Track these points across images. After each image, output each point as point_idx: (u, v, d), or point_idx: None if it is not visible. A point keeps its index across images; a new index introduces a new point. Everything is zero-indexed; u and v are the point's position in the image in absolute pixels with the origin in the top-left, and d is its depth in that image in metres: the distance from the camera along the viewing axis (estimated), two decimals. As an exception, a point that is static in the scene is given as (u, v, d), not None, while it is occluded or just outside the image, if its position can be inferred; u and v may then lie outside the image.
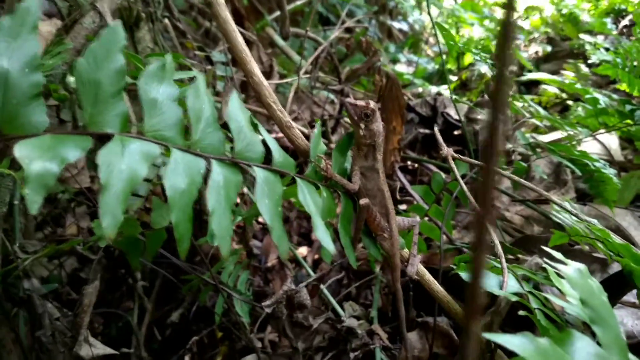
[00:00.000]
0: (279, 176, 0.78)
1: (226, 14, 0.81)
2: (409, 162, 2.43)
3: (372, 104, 0.88)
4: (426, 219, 1.54)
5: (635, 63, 2.05)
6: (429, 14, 1.48)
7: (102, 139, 0.67)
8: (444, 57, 4.41)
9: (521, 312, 0.84)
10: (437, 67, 4.44)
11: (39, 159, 0.59)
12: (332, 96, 2.54)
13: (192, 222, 0.67)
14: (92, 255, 1.18)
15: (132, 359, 1.68)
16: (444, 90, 3.17)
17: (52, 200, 1.79)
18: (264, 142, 0.79)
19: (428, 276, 0.98)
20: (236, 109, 0.77)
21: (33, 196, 0.57)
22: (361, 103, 0.88)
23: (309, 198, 0.79)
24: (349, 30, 3.33)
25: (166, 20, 2.06)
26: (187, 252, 0.67)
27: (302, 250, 2.19)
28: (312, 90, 2.44)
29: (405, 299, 1.60)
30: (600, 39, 4.06)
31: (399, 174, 2.08)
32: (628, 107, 2.09)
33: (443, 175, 1.53)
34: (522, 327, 1.25)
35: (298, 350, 1.26)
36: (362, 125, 0.87)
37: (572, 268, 0.68)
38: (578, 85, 2.26)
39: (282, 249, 0.71)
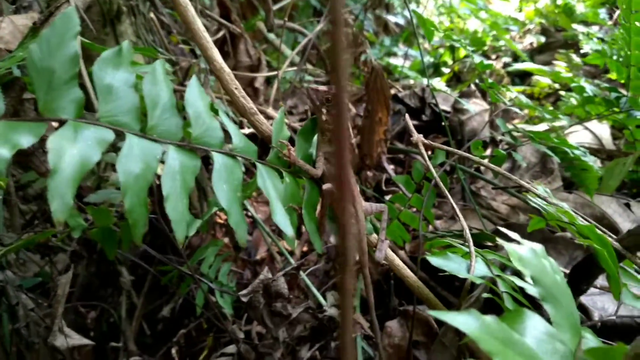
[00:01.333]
0: (238, 161, 0.79)
1: (186, 1, 0.81)
2: (400, 155, 2.43)
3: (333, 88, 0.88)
4: (412, 210, 1.54)
5: (622, 52, 2.04)
6: (405, 4, 1.47)
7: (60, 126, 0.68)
8: (421, 48, 4.41)
9: (485, 295, 0.84)
10: (432, 60, 4.43)
11: (-12, 145, 0.59)
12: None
13: (147, 207, 0.67)
14: (67, 247, 1.19)
15: (120, 353, 1.70)
16: (437, 82, 3.17)
17: (41, 196, 1.80)
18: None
19: (397, 261, 0.98)
20: (194, 95, 0.77)
21: (-19, 181, 0.57)
22: (322, 88, 0.88)
23: (269, 183, 0.79)
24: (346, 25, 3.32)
25: (152, 14, 2.06)
26: (143, 238, 0.67)
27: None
28: (300, 83, 2.44)
29: (387, 288, 1.61)
30: (595, 29, 4.05)
31: (386, 164, 2.08)
32: (614, 95, 2.08)
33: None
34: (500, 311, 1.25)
35: (278, 339, 1.26)
36: (324, 111, 0.88)
37: (526, 248, 0.68)
38: (565, 75, 2.26)
39: (240, 235, 0.72)
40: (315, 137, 0.93)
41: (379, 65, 1.98)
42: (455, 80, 4.15)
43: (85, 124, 0.67)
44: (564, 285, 0.66)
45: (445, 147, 1.10)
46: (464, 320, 0.55)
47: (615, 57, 2.16)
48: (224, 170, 0.75)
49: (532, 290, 0.78)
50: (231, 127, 0.80)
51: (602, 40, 2.84)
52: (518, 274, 1.01)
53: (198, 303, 1.32)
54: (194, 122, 0.76)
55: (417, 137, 1.05)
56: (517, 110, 1.62)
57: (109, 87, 0.70)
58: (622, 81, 2.16)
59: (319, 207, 0.89)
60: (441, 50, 4.40)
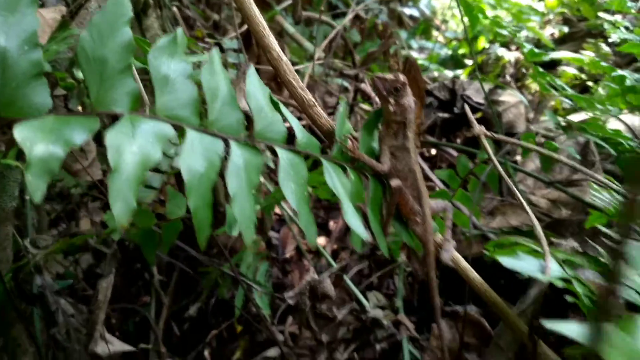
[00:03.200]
0: (303, 158, 0.72)
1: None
2: (424, 150, 2.36)
3: (401, 77, 0.82)
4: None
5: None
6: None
7: (112, 121, 0.62)
8: (455, 42, 4.31)
9: (569, 298, 0.78)
10: (450, 52, 4.34)
11: (41, 142, 0.53)
12: (346, 83, 2.47)
13: (212, 209, 0.61)
14: (106, 249, 1.13)
15: (151, 355, 1.64)
16: (460, 74, 3.08)
17: (65, 195, 1.75)
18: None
19: (463, 263, 0.92)
20: (255, 86, 0.71)
21: (36, 183, 0.51)
22: (390, 76, 0.81)
23: (337, 180, 0.73)
24: (358, 18, 3.26)
25: (174, 9, 2.01)
26: (207, 242, 0.61)
27: (320, 241, 2.14)
28: (326, 78, 2.37)
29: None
30: (618, 18, 3.94)
31: (419, 160, 2.01)
32: (657, 83, 2.00)
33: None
34: (556, 314, 1.18)
35: (322, 342, 1.20)
36: (392, 101, 0.81)
37: (634, 246, 0.62)
38: (603, 64, 2.17)
39: (310, 235, 0.65)
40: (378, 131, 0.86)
41: (413, 57, 1.91)
42: (477, 72, 4.06)
43: (143, 118, 0.61)
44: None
45: (509, 139, 1.03)
46: (580, 330, 0.49)
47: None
48: (290, 168, 0.68)
49: (626, 293, 0.71)
50: (294, 121, 0.73)
51: (628, 28, 2.75)
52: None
53: (237, 304, 1.26)
54: (257, 116, 0.69)
55: (479, 128, 0.98)
56: (566, 100, 1.54)
57: (165, 77, 0.64)
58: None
59: (384, 206, 0.83)
60: (454, 42, 4.31)
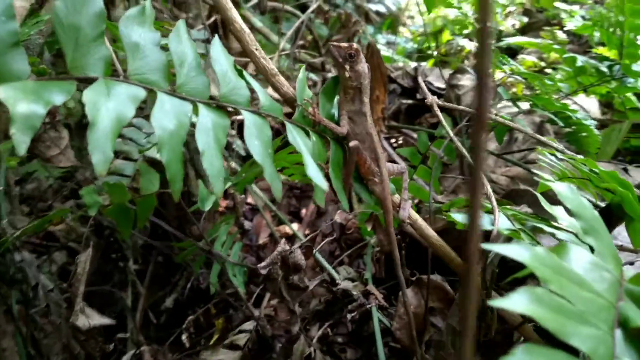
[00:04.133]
0: (266, 120, 0.78)
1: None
2: (390, 136, 2.44)
3: (355, 45, 0.88)
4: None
5: (614, 20, 2.06)
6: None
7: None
8: (421, 36, 4.43)
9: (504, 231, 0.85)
10: (415, 46, 4.46)
11: (23, 101, 0.58)
12: (313, 76, 2.53)
13: (183, 164, 0.66)
14: (82, 228, 1.16)
15: (129, 344, 1.67)
16: (424, 65, 3.18)
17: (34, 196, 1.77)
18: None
19: (420, 221, 0.99)
20: (219, 53, 0.76)
21: (20, 137, 0.56)
22: (344, 44, 0.87)
23: (299, 139, 0.79)
24: (322, 10, 3.33)
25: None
26: (179, 193, 0.66)
27: (294, 227, 2.19)
28: (293, 68, 2.43)
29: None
30: (575, 8, 4.11)
31: (384, 143, 2.09)
32: (606, 64, 2.12)
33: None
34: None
35: (295, 313, 1.26)
36: (347, 67, 0.87)
37: (564, 185, 0.69)
38: (556, 46, 2.28)
39: (275, 188, 0.71)
40: (337, 96, 0.93)
41: (374, 42, 1.98)
42: (441, 63, 4.18)
43: (116, 81, 0.66)
44: (600, 219, 0.67)
45: (458, 107, 1.11)
46: (518, 251, 0.56)
47: (600, 26, 2.18)
48: (255, 128, 0.74)
49: (562, 235, 0.79)
50: (257, 86, 0.79)
51: (584, 17, 2.87)
52: (538, 228, 1.02)
53: (212, 281, 1.31)
54: (222, 80, 0.75)
55: (432, 99, 1.05)
56: (518, 78, 1.63)
57: (136, 44, 0.69)
58: (612, 51, 2.19)
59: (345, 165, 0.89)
60: (419, 37, 4.44)
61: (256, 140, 0.73)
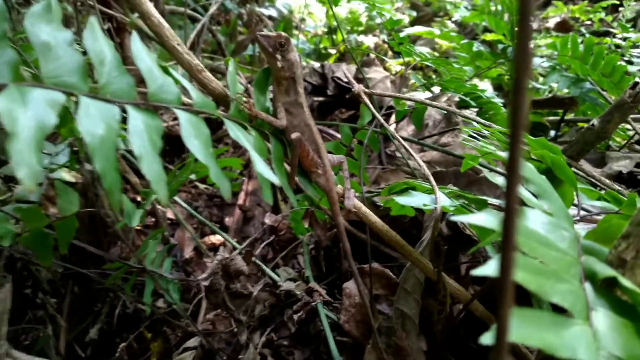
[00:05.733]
0: (201, 118, 0.73)
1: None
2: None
3: (283, 33, 0.85)
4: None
5: (503, 4, 2.20)
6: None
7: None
8: (316, 37, 4.49)
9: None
10: (312, 47, 4.51)
11: None
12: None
13: (119, 171, 0.60)
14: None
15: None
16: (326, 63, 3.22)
17: None
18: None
19: (364, 209, 0.98)
20: (140, 49, 0.69)
21: None
22: (272, 33, 0.84)
23: (240, 134, 0.74)
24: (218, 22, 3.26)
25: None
26: (120, 205, 0.59)
27: (219, 238, 2.11)
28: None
29: (336, 252, 1.61)
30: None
31: (330, 130, 2.07)
32: (500, 46, 2.26)
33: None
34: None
35: (242, 322, 1.20)
36: (279, 57, 0.84)
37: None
38: (452, 34, 2.40)
39: (224, 188, 0.66)
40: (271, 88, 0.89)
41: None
42: (340, 60, 4.26)
43: (30, 87, 0.58)
44: (550, 184, 0.69)
45: (385, 93, 1.11)
46: (486, 219, 0.56)
47: (487, 12, 2.33)
48: (191, 126, 0.68)
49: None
50: (185, 83, 0.73)
51: (467, 8, 3.04)
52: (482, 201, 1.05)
53: (146, 301, 1.22)
54: (148, 78, 0.68)
55: (358, 87, 1.05)
56: (428, 64, 1.68)
57: (46, 44, 0.61)
58: (500, 36, 2.34)
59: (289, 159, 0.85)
60: (314, 39, 4.52)
61: (195, 139, 0.67)
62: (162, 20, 0.77)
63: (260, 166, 0.68)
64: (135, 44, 0.69)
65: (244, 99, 0.81)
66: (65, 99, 0.60)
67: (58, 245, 0.97)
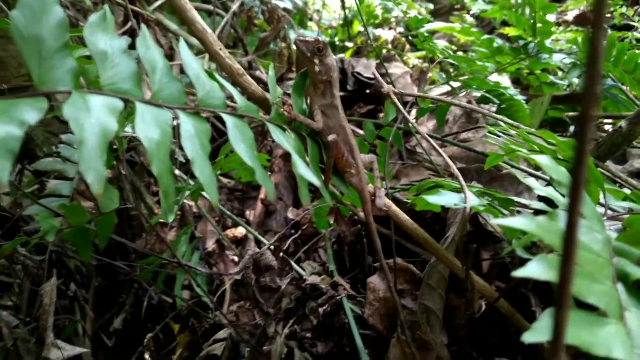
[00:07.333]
0: (245, 122, 0.76)
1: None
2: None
3: (321, 38, 0.88)
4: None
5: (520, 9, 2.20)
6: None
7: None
8: (331, 29, 4.49)
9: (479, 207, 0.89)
10: (328, 39, 4.52)
11: (-3, 123, 0.52)
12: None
13: (174, 175, 0.63)
14: (36, 257, 1.07)
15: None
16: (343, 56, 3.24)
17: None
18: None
19: (394, 207, 1.01)
20: (189, 56, 0.73)
21: (1, 163, 0.51)
22: (310, 38, 0.87)
23: (282, 137, 0.77)
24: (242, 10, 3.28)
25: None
26: (173, 207, 0.63)
27: (241, 230, 2.15)
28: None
29: (360, 248, 1.64)
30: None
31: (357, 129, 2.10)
32: (522, 42, 2.26)
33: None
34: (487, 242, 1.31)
35: (270, 314, 1.24)
36: (317, 61, 0.87)
37: (545, 157, 0.73)
38: (473, 29, 2.40)
39: (268, 190, 0.69)
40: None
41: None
42: (357, 54, 4.27)
43: (91, 94, 0.61)
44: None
45: (414, 93, 1.14)
46: (523, 222, 0.58)
47: (508, 8, 2.32)
48: (237, 130, 0.72)
49: (537, 205, 0.84)
50: (230, 88, 0.76)
51: (485, 1, 3.03)
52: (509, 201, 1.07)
53: (177, 294, 1.26)
54: (197, 84, 0.72)
55: (388, 87, 1.07)
56: (450, 61, 1.70)
57: (104, 53, 0.65)
58: (520, 31, 2.34)
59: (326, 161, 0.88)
60: (329, 31, 4.52)
61: (242, 143, 0.70)
62: (205, 26, 0.80)
63: (302, 169, 0.71)
64: (184, 51, 0.72)
65: (284, 102, 0.84)
66: (122, 105, 0.63)
67: (97, 239, 1.01)
